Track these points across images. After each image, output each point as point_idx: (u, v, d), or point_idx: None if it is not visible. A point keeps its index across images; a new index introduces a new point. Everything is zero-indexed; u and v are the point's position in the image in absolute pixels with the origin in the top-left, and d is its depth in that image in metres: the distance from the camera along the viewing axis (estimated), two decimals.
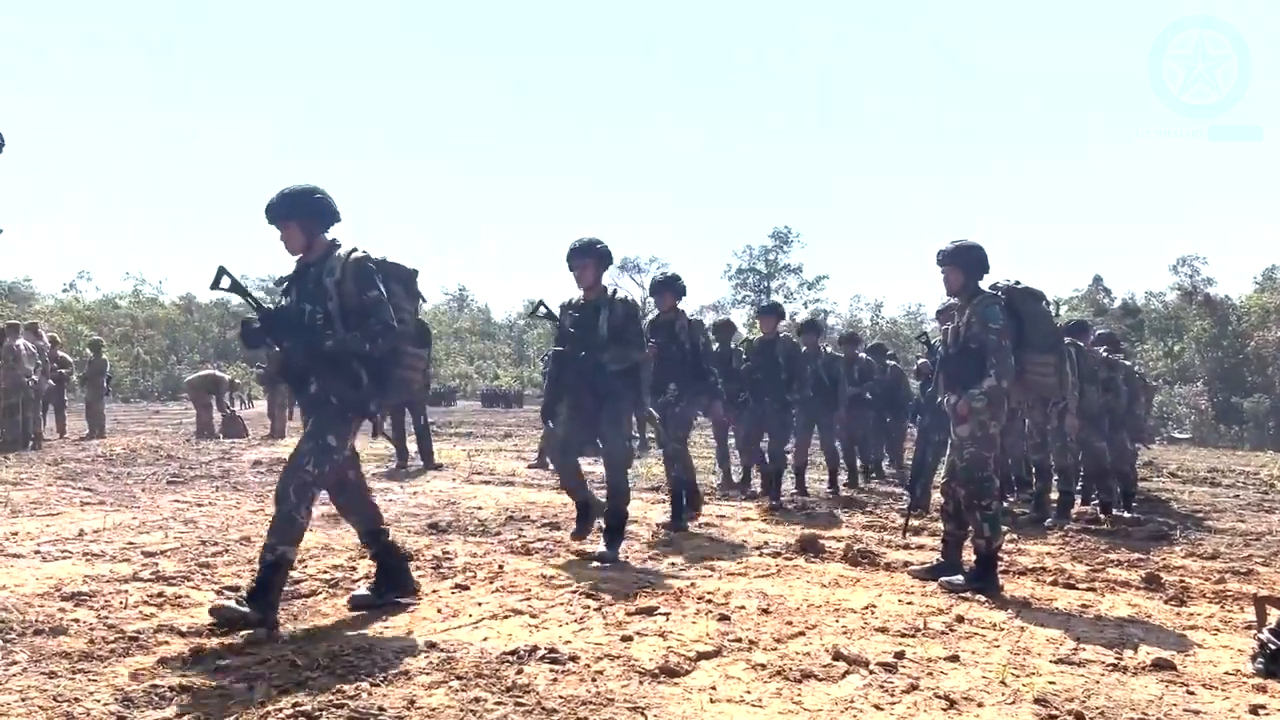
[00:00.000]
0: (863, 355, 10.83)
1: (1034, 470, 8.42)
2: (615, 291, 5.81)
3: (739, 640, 3.80)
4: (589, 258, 5.67)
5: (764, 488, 8.47)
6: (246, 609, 3.61)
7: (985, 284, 5.17)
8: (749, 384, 8.32)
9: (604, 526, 5.60)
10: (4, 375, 11.53)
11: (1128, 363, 10.02)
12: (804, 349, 8.69)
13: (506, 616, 4.10)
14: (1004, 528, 5.32)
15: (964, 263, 5.13)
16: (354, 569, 4.82)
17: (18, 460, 10.02)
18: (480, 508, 7.43)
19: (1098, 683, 3.46)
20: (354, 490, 4.21)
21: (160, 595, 4.04)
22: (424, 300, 4.44)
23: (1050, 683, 3.43)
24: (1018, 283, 5.19)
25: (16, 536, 5.35)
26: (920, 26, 76.59)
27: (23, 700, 2.91)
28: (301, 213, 4.01)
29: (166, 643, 3.51)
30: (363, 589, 4.28)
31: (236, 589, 4.34)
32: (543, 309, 5.78)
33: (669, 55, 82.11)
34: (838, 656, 3.59)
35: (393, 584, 4.27)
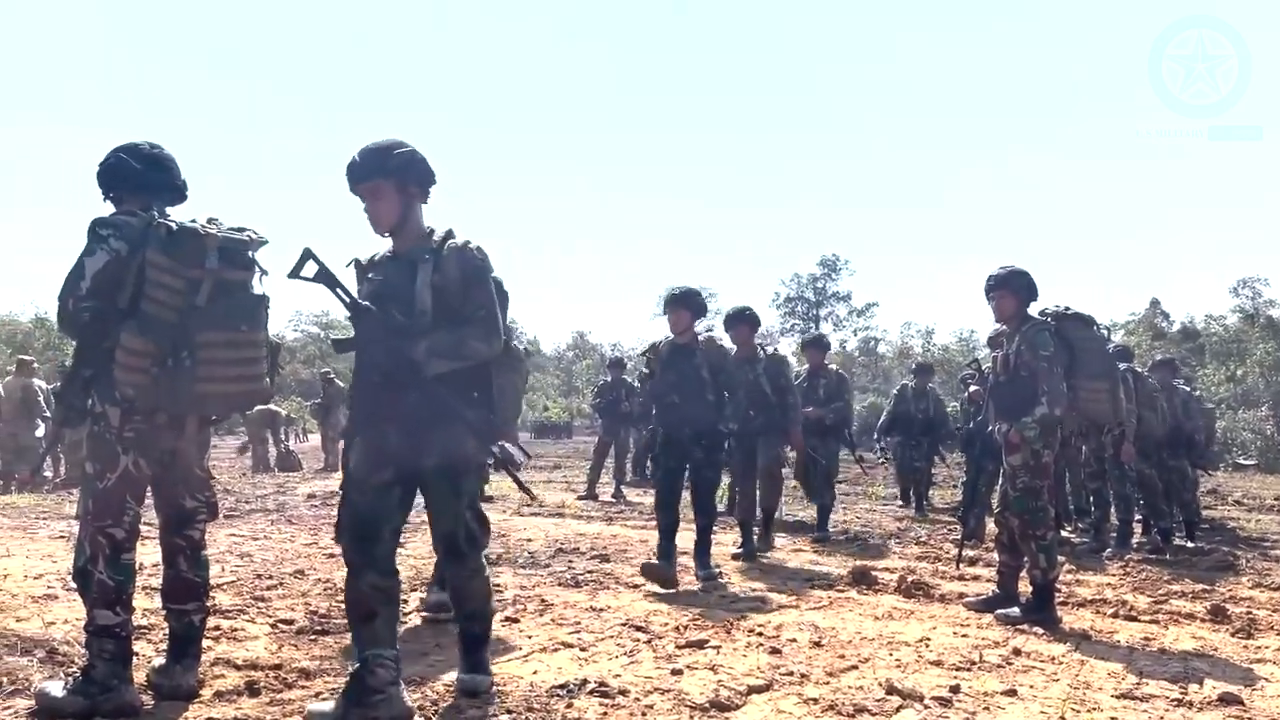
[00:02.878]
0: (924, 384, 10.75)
1: (1091, 499, 8.26)
2: (710, 337, 6.13)
3: (790, 674, 3.76)
4: (683, 307, 5.99)
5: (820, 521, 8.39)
6: None
7: (1035, 310, 5.11)
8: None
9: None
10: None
11: (1186, 388, 9.81)
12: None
13: (556, 649, 4.10)
14: (1060, 558, 5.22)
15: (1013, 289, 5.08)
16: (405, 600, 4.86)
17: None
18: (530, 539, 7.45)
19: (1162, 718, 3.36)
20: None
21: (216, 628, 4.09)
22: None
23: (1112, 718, 3.34)
24: (1067, 308, 5.12)
25: None
26: (970, 39, 75.92)
27: None
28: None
29: (222, 676, 3.56)
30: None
31: (291, 623, 4.40)
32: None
33: (715, 80, 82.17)
34: (891, 691, 3.53)
35: None
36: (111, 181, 3.41)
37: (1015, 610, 4.89)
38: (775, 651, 4.09)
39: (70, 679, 3.21)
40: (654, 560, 5.64)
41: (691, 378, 5.85)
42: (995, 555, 5.39)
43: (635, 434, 13.11)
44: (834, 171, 77.41)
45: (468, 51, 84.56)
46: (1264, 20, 52.67)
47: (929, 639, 4.39)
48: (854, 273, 54.42)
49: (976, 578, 6.07)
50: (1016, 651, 4.20)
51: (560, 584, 5.58)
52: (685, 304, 5.98)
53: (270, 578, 5.40)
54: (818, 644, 4.24)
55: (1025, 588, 5.03)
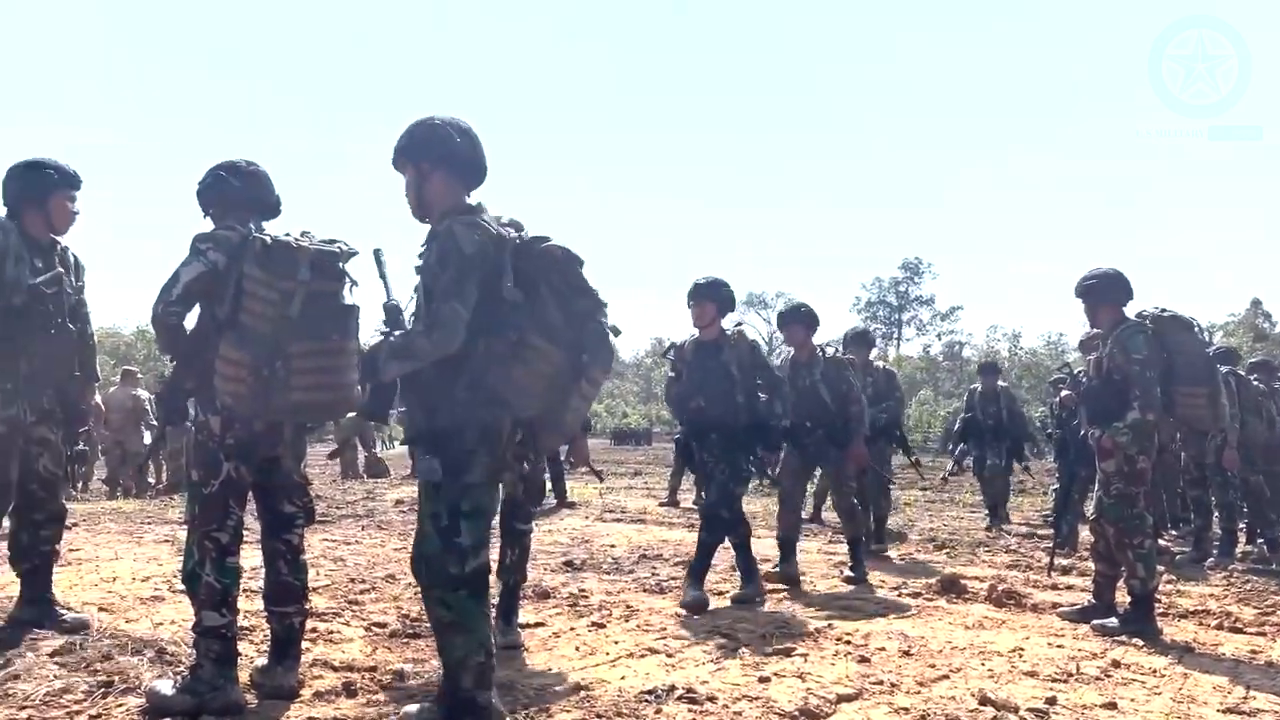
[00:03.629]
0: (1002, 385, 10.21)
1: (1192, 507, 7.98)
2: (739, 331, 5.53)
3: (880, 683, 3.72)
4: (708, 299, 5.43)
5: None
6: None
7: (1130, 311, 4.97)
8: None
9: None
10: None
11: None
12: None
13: (643, 655, 4.12)
14: (1160, 568, 5.06)
15: (1104, 292, 4.94)
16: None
17: (181, 501, 10.65)
18: (613, 545, 7.50)
19: None
20: None
21: (314, 630, 4.20)
22: None
23: None
24: (1164, 310, 4.96)
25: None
26: (970, 39, 74.54)
27: None
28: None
29: (321, 677, 3.66)
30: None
31: (384, 626, 4.50)
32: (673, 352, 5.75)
33: (715, 80, 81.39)
34: (984, 701, 3.47)
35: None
36: (211, 199, 3.55)
37: (1113, 621, 4.75)
38: (864, 660, 4.05)
39: (179, 678, 3.34)
40: (690, 592, 5.17)
41: (719, 377, 5.33)
42: (1089, 564, 5.25)
43: None
44: (834, 172, 77.08)
45: (467, 52, 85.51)
46: (1264, 20, 54.09)
47: (1022, 649, 4.30)
48: (936, 276, 53.55)
49: (1070, 587, 5.93)
50: (1115, 664, 4.08)
51: (645, 590, 5.60)
52: (710, 295, 5.40)
53: (363, 582, 5.53)
54: (907, 653, 4.19)
55: (1123, 598, 4.89)
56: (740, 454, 5.36)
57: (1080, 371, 6.16)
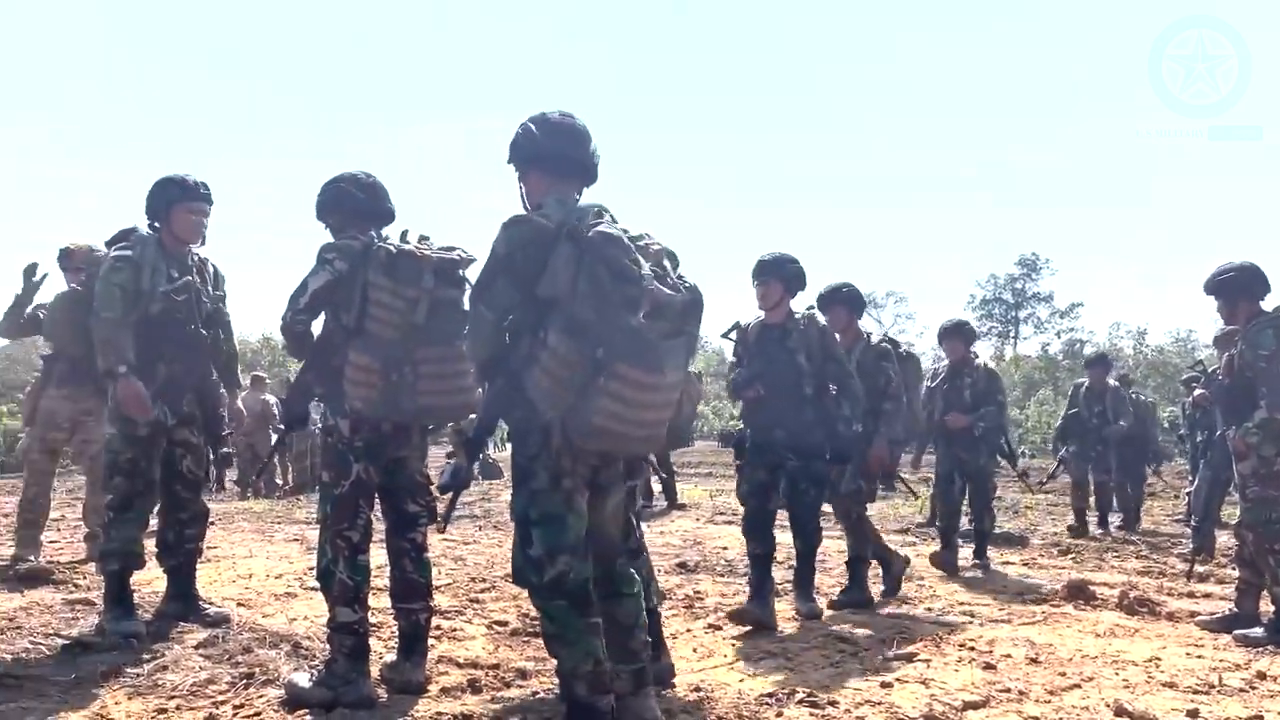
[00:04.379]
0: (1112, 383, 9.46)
1: None
2: (810, 315, 4.96)
3: (1007, 690, 3.62)
4: (774, 277, 4.89)
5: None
6: None
7: (1268, 305, 4.71)
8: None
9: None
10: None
11: None
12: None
13: (761, 658, 4.10)
14: None
15: (1240, 287, 4.70)
16: None
17: (307, 501, 11.06)
18: (725, 547, 7.48)
19: None
20: None
21: (438, 628, 4.31)
22: None
23: None
24: None
25: (312, 571, 5.90)
26: (970, 39, 72.99)
27: (317, 717, 3.21)
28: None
29: (446, 673, 3.76)
30: None
31: (505, 624, 4.60)
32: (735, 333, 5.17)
33: (715, 80, 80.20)
34: (1120, 712, 3.34)
35: None
36: (332, 209, 3.68)
37: (1258, 631, 4.52)
38: (989, 667, 3.95)
39: (315, 671, 3.48)
40: (746, 605, 4.72)
41: (785, 366, 4.80)
42: (1228, 571, 5.00)
43: None
44: (834, 171, 75.92)
45: (467, 52, 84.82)
46: (1264, 20, 52.32)
47: (1159, 659, 4.12)
48: (1055, 272, 51.57)
49: (1208, 595, 5.65)
50: (1261, 675, 3.88)
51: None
52: (775, 273, 4.85)
53: (483, 581, 5.65)
54: (1035, 660, 4.06)
55: (1267, 607, 4.65)
56: (815, 459, 4.80)
57: (1214, 370, 5.89)
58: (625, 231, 2.85)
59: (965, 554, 6.67)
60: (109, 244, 4.37)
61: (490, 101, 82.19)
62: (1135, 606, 5.13)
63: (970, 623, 4.84)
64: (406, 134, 76.75)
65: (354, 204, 3.66)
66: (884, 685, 3.68)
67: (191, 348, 4.40)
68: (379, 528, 3.69)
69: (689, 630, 4.62)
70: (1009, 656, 4.12)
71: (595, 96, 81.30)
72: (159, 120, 74.84)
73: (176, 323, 4.34)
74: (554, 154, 3.03)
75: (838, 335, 5.26)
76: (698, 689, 3.59)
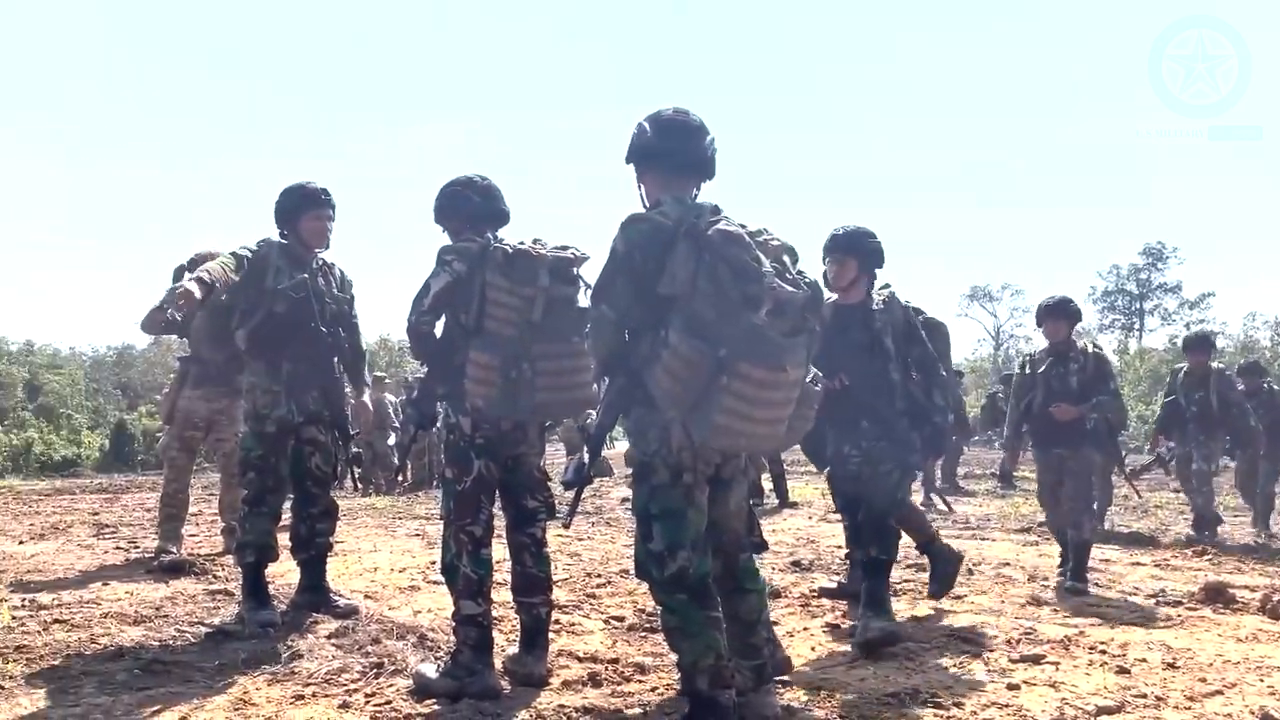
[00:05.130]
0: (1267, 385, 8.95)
1: None
2: (891, 294, 4.46)
3: (1143, 696, 3.48)
4: (850, 254, 4.40)
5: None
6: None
7: None
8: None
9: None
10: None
11: None
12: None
13: (881, 658, 4.03)
14: None
15: None
16: None
17: (426, 497, 11.37)
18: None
19: None
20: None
21: (557, 623, 4.37)
22: None
23: None
24: None
25: (435, 566, 6.06)
26: (970, 39, 71.73)
27: (453, 711, 3.29)
28: None
29: (566, 667, 3.81)
30: None
31: (622, 620, 4.64)
32: None
33: (716, 79, 78.76)
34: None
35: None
36: (450, 213, 3.79)
37: None
38: (1123, 671, 3.81)
39: (441, 663, 3.58)
40: (873, 626, 4.08)
41: (867, 350, 4.28)
42: None
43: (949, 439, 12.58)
44: (834, 170, 74.20)
45: (467, 52, 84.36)
46: (1264, 20, 51.22)
47: None
48: (1183, 261, 49.15)
49: None
50: None
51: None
52: (850, 248, 4.38)
53: (599, 576, 5.72)
54: (1172, 665, 3.90)
55: None
56: (905, 450, 4.31)
57: None
58: (744, 227, 2.84)
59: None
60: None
61: (490, 102, 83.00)
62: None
63: (1100, 625, 4.67)
64: (406, 134, 77.27)
65: (471, 207, 3.75)
66: (1010, 687, 3.58)
67: (315, 346, 4.57)
68: (500, 523, 3.76)
69: (805, 629, 4.58)
70: (1144, 661, 3.96)
71: (595, 96, 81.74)
72: (158, 121, 75.57)
73: (299, 322, 4.51)
74: (668, 151, 3.03)
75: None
76: (818, 688, 3.56)
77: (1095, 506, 8.18)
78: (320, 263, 4.67)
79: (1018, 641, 4.29)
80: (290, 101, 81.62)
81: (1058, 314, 5.93)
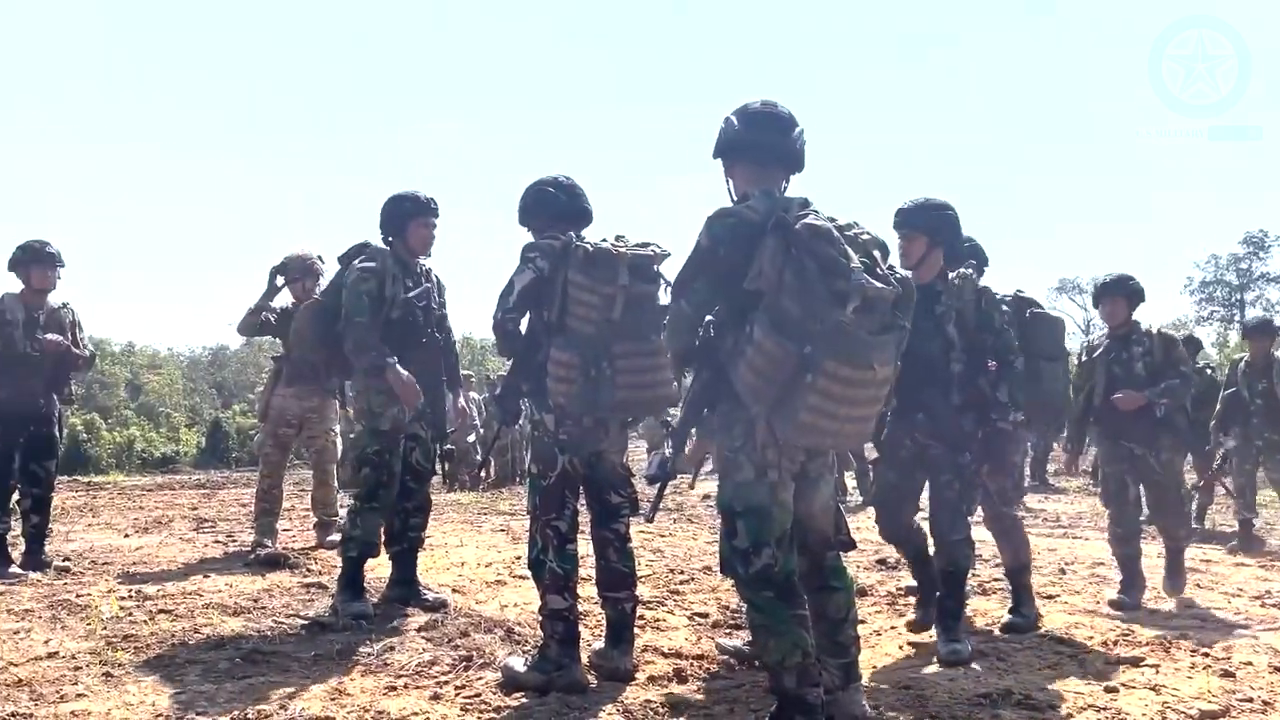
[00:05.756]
0: None
1: None
2: (965, 275, 4.05)
3: (1249, 700, 3.37)
4: (917, 229, 4.04)
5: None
6: None
7: None
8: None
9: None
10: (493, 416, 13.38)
11: None
12: None
13: (970, 658, 3.96)
14: None
15: None
16: None
17: (509, 493, 11.52)
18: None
19: None
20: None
21: (641, 618, 4.40)
22: None
23: None
24: None
25: (520, 561, 6.13)
26: (970, 39, 70.96)
27: (541, 704, 3.33)
28: None
29: (652, 662, 3.83)
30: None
31: (706, 616, 4.64)
32: None
33: (716, 79, 77.35)
34: None
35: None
36: (535, 212, 3.83)
37: None
38: (1227, 675, 3.67)
39: (529, 656, 3.62)
40: (949, 644, 3.92)
41: (928, 335, 3.84)
42: None
43: (1032, 435, 12.30)
44: (834, 170, 73.12)
45: (467, 52, 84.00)
46: (1264, 20, 50.35)
47: None
48: None
49: None
50: None
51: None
52: (919, 223, 4.01)
53: (682, 573, 5.72)
54: (1279, 669, 3.75)
55: None
56: (960, 452, 3.97)
57: None
58: (833, 221, 2.80)
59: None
60: (341, 259, 4.70)
61: (490, 101, 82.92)
62: None
63: (1202, 627, 4.51)
64: (407, 134, 77.60)
65: (555, 206, 3.80)
66: (1108, 690, 3.49)
67: (426, 351, 4.70)
68: (584, 519, 3.80)
69: (893, 627, 4.52)
70: (1249, 664, 3.82)
71: (596, 95, 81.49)
72: (250, 124, 76.59)
73: (414, 327, 4.65)
74: (756, 144, 2.99)
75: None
76: (907, 687, 3.52)
77: (1194, 506, 7.87)
78: (422, 268, 4.79)
79: (1115, 643, 4.17)
80: (290, 100, 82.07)
81: (1116, 292, 5.28)
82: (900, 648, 4.17)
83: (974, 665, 3.82)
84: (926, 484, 4.18)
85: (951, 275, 4.06)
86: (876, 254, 2.86)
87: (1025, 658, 3.97)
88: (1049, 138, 73.83)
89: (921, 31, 75.45)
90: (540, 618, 3.62)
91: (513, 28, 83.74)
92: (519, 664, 3.56)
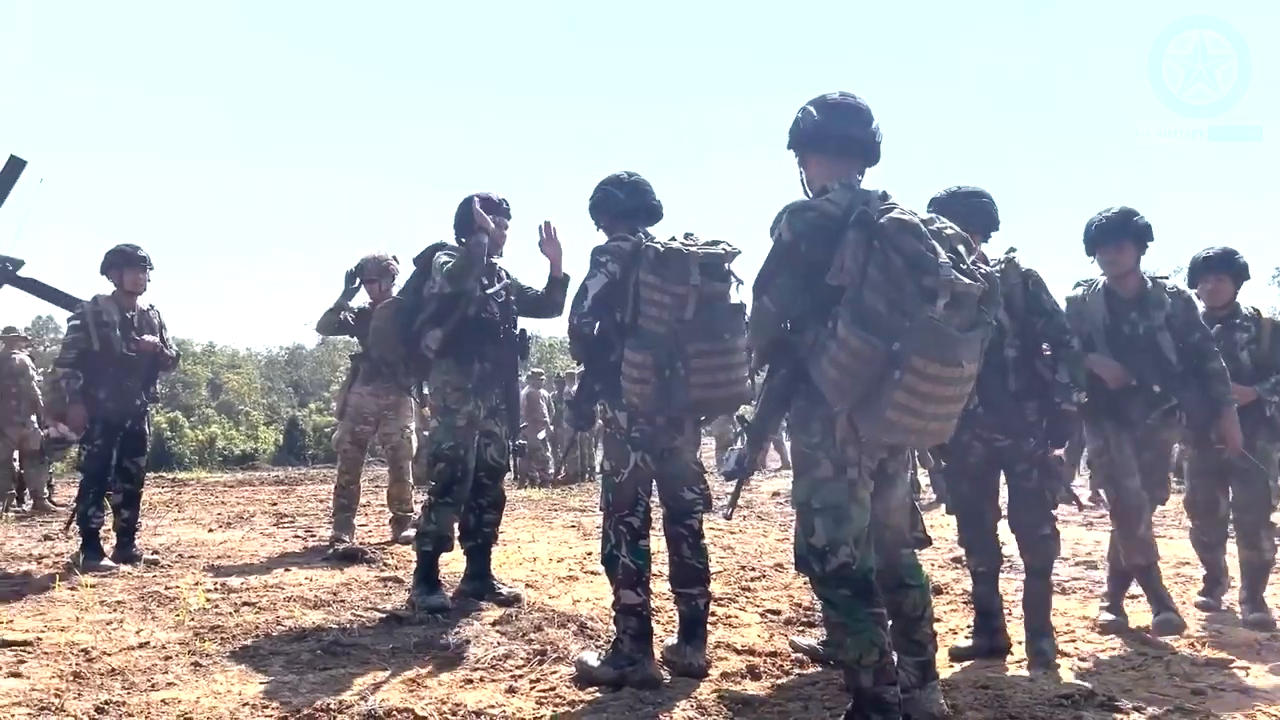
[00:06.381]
0: None
1: None
2: (1010, 259, 3.86)
3: None
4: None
5: None
6: None
7: None
8: None
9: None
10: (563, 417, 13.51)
11: None
12: None
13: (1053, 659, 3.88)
14: None
15: None
16: None
17: (579, 490, 11.60)
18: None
19: None
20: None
21: (713, 614, 4.39)
22: None
23: None
24: None
25: (591, 556, 6.17)
26: (969, 39, 68.25)
27: (615, 699, 3.35)
28: None
29: (725, 659, 3.83)
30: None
31: (778, 613, 4.62)
32: None
33: (717, 78, 76.43)
34: None
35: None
36: (601, 211, 3.87)
37: None
38: None
39: (602, 651, 3.65)
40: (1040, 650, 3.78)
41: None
42: None
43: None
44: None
45: (466, 49, 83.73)
46: (1264, 20, 49.72)
47: None
48: None
49: None
50: None
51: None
52: (964, 210, 3.79)
53: (753, 569, 5.71)
54: None
55: None
56: (1025, 437, 3.81)
57: None
58: (915, 215, 2.76)
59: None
60: (417, 260, 4.79)
61: (489, 97, 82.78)
62: None
63: None
64: (407, 134, 77.93)
65: (616, 205, 3.82)
66: (1195, 693, 3.39)
67: (502, 347, 4.77)
68: (656, 515, 3.81)
69: (970, 626, 4.44)
70: None
71: (596, 94, 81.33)
72: (327, 128, 79.04)
73: (490, 324, 4.72)
74: (834, 135, 2.95)
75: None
76: (985, 687, 3.46)
77: None
78: (497, 267, 4.85)
79: (1202, 644, 4.05)
80: (288, 100, 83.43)
81: (1220, 268, 4.67)
82: (957, 631, 4.09)
83: (1056, 664, 3.75)
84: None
85: (995, 260, 3.81)
86: (961, 248, 2.80)
87: (1108, 658, 3.88)
88: (1049, 137, 73.09)
89: (921, 29, 75.38)
90: (613, 613, 3.65)
91: (513, 27, 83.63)
92: (592, 659, 3.59)
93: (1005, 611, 4.09)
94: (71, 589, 5.06)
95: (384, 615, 4.46)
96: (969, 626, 4.40)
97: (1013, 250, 3.92)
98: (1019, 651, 3.91)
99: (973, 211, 3.84)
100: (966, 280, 2.64)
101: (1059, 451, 3.86)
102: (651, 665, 3.52)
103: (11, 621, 4.35)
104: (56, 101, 75.49)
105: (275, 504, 9.93)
